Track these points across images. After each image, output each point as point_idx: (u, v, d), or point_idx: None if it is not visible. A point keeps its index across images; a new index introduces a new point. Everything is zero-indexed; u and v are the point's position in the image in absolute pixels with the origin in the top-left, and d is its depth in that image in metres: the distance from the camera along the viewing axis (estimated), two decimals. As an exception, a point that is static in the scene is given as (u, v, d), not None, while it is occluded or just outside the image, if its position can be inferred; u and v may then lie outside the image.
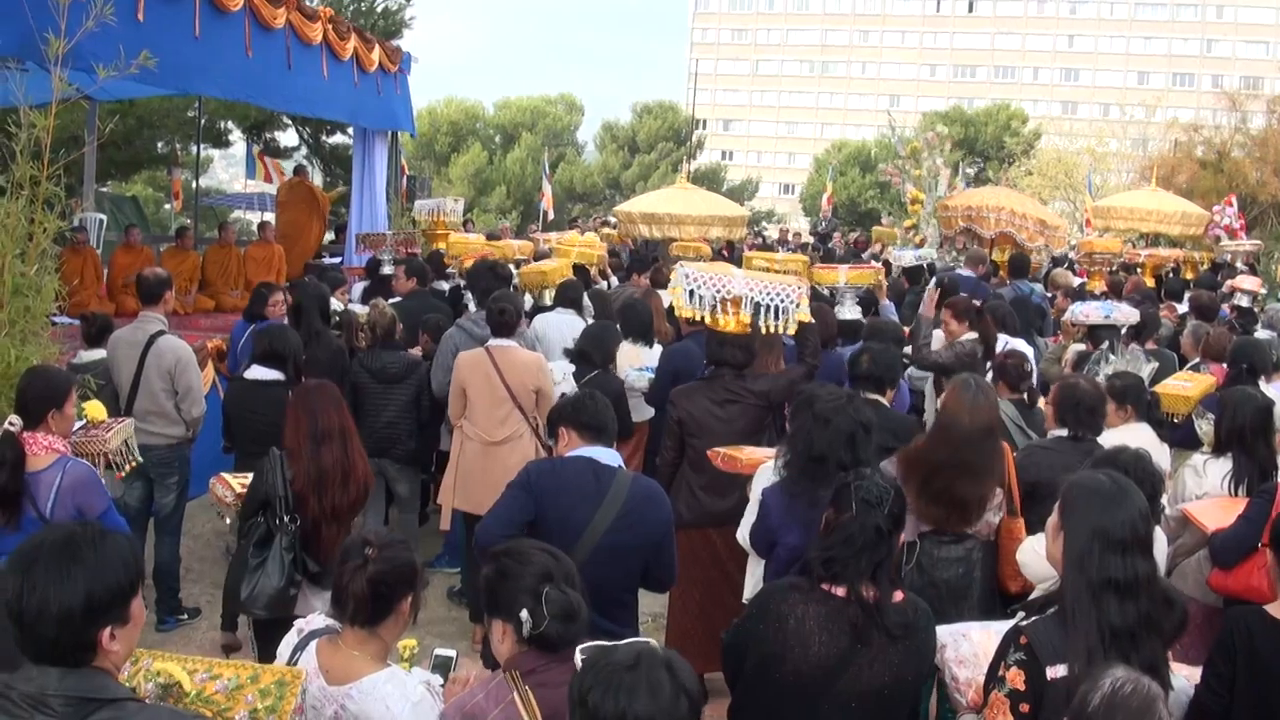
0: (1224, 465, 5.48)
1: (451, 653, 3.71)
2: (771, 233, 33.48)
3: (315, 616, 3.68)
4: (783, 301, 6.19)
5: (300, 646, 3.53)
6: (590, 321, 9.06)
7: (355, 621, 3.42)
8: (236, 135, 26.38)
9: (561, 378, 7.32)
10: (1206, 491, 5.48)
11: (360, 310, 9.02)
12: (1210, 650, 3.74)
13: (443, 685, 3.52)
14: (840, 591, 3.41)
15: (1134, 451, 4.54)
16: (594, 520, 4.25)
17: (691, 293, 6.26)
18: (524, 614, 3.11)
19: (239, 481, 5.49)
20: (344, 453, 5.12)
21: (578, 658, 2.63)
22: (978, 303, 8.49)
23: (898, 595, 3.51)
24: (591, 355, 7.52)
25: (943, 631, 3.92)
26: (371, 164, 16.59)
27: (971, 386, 5.16)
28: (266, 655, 4.38)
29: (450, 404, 7.36)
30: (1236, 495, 5.35)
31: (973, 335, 7.97)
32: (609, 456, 4.47)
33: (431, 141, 53.06)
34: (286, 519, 4.99)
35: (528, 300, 10.58)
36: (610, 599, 4.19)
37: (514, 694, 3.04)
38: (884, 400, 6.09)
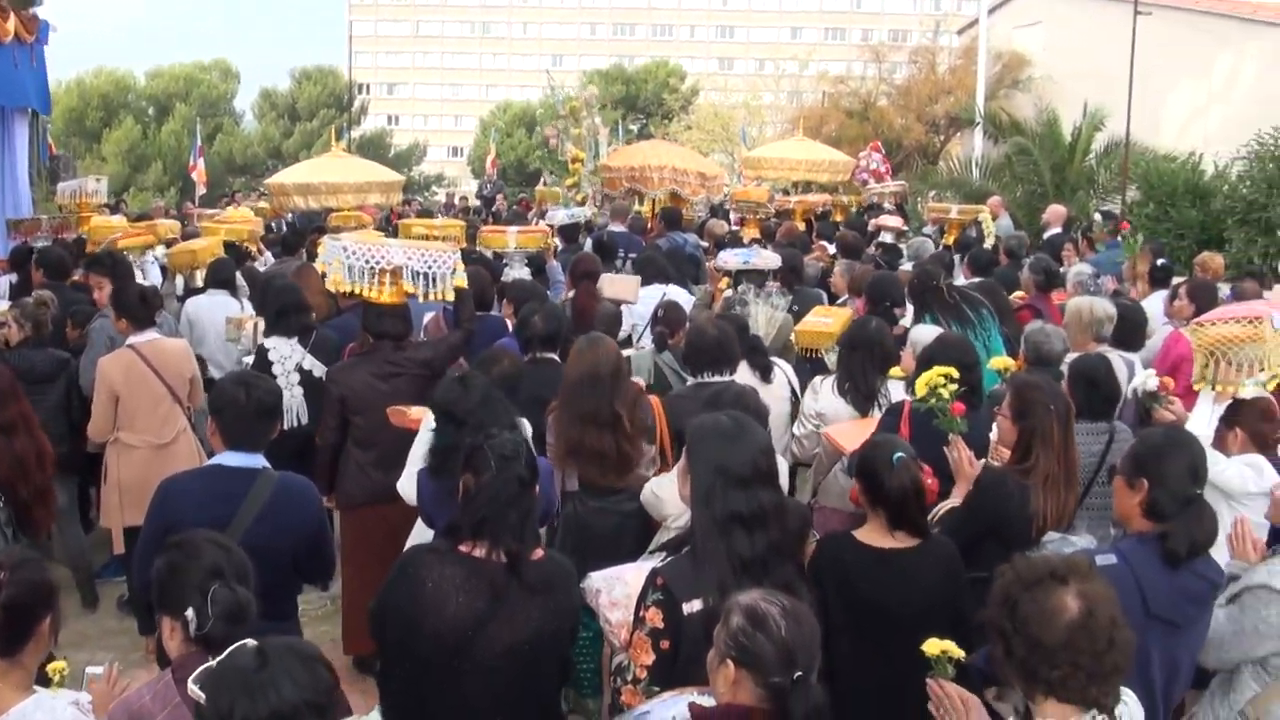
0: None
1: (99, 669, 3.56)
2: (440, 197, 33.19)
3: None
4: (439, 269, 6.19)
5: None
6: (245, 302, 8.76)
7: (-6, 652, 3.20)
8: None
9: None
10: (821, 409, 5.94)
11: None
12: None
13: (92, 703, 3.38)
14: (480, 552, 3.46)
15: (735, 389, 4.83)
16: (230, 526, 4.13)
17: (350, 266, 6.17)
18: (189, 612, 3.05)
19: None
20: (31, 437, 5.33)
21: (193, 689, 2.57)
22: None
23: (538, 553, 3.59)
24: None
25: (597, 577, 4.07)
26: (11, 144, 15.24)
27: (585, 341, 5.42)
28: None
29: (97, 418, 6.80)
30: (845, 398, 5.87)
31: (571, 294, 8.33)
32: (247, 460, 4.36)
33: (82, 116, 49.51)
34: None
35: (179, 283, 10.14)
36: (265, 596, 4.11)
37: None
38: (557, 358, 6.23)
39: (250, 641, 2.61)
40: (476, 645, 3.41)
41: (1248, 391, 4.91)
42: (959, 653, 3.11)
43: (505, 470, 3.51)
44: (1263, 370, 4.97)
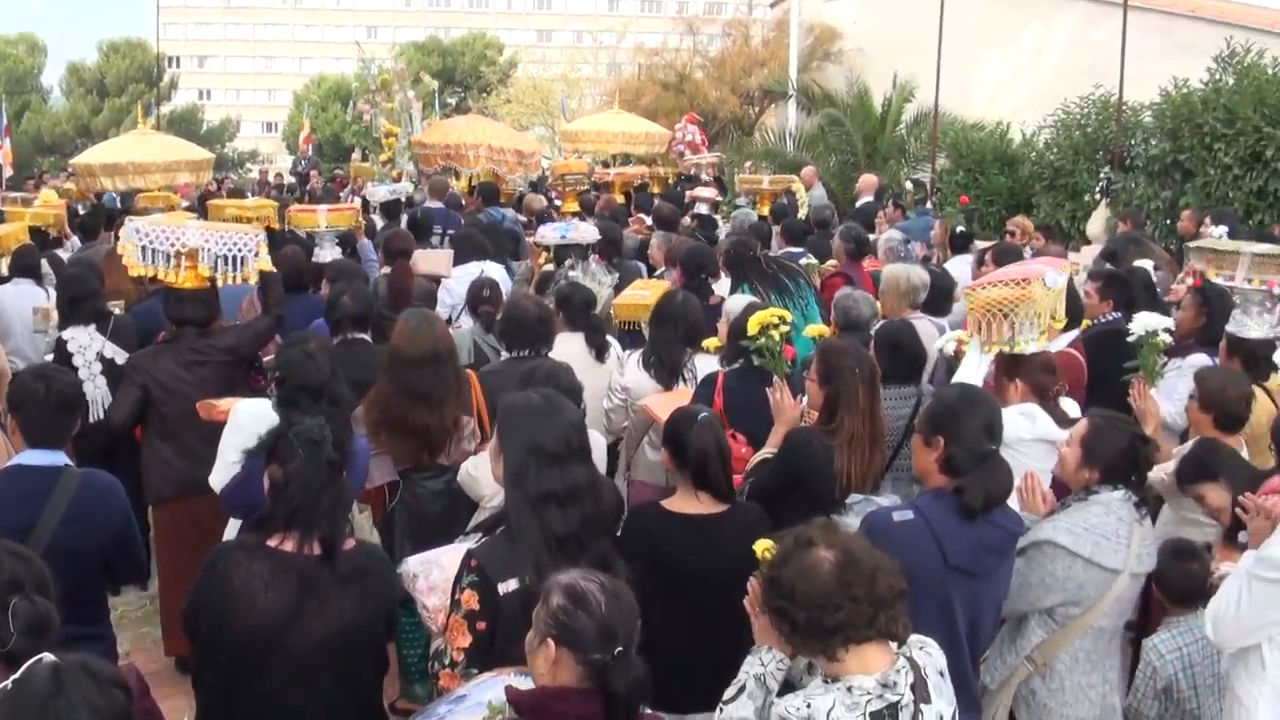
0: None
1: None
2: (253, 174, 32.27)
3: None
4: (240, 251, 6.00)
5: None
6: (52, 290, 8.36)
7: None
8: None
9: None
10: (627, 383, 6.02)
11: None
12: None
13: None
14: (290, 545, 3.40)
15: (549, 366, 4.85)
16: (35, 528, 4.00)
17: (144, 248, 5.95)
18: None
19: None
20: None
21: None
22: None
23: (350, 542, 3.56)
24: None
25: (414, 562, 4.03)
26: None
27: (416, 317, 5.37)
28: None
29: None
30: (649, 372, 5.91)
31: (387, 270, 8.23)
32: (49, 458, 4.22)
33: (-116, 98, 46.55)
34: None
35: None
36: (73, 600, 3.98)
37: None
38: (368, 338, 6.14)
39: (47, 658, 2.51)
40: (289, 639, 3.36)
41: (1029, 348, 5.09)
42: None
43: (314, 456, 3.46)
44: (1036, 328, 5.13)
